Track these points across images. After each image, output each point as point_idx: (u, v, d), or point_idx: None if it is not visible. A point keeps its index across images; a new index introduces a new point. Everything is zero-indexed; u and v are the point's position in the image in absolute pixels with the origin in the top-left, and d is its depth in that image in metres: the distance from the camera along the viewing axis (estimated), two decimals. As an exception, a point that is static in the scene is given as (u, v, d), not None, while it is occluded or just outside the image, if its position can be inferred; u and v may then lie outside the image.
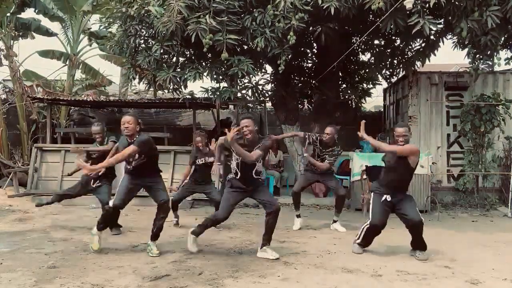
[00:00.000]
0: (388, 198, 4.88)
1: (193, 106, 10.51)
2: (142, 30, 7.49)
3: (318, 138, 6.44)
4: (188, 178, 6.44)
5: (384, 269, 4.47)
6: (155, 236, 4.94)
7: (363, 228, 5.02)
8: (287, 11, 6.37)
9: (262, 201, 4.88)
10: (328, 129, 6.38)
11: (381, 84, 10.84)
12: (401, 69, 9.22)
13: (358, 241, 5.07)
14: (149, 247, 4.91)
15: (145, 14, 7.00)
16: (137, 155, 4.75)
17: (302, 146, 6.62)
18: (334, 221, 6.49)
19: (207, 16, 6.39)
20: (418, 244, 4.91)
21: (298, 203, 6.55)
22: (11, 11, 10.90)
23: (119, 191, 4.87)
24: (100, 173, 5.80)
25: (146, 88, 8.27)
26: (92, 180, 5.94)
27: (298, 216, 6.51)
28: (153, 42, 7.37)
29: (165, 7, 6.52)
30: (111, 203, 4.91)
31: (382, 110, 12.14)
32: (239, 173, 4.81)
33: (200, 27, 6.40)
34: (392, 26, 6.41)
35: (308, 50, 9.93)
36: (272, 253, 4.82)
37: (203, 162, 6.29)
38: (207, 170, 6.26)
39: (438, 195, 8.36)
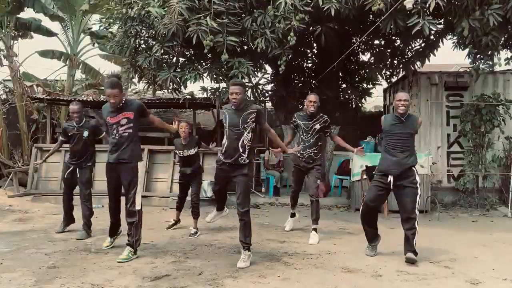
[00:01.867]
0: (389, 178, 4.75)
1: (193, 106, 10.53)
2: (143, 31, 7.49)
3: (301, 114, 5.93)
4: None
5: (384, 269, 4.47)
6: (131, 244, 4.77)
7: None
8: (287, 12, 6.37)
9: (236, 194, 4.65)
10: (312, 97, 5.75)
11: (381, 84, 10.85)
12: (401, 69, 9.23)
13: (367, 239, 5.01)
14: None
15: (145, 15, 7.00)
16: (126, 120, 4.67)
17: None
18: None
19: (207, 18, 6.39)
20: (410, 244, 4.82)
21: (296, 202, 6.28)
22: (8, 10, 10.88)
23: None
24: (80, 158, 5.87)
25: (146, 87, 8.27)
26: (74, 168, 5.92)
27: (293, 215, 6.32)
28: (154, 43, 7.37)
29: (165, 8, 6.53)
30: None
31: (382, 110, 12.13)
32: (226, 143, 4.68)
33: (200, 28, 6.41)
34: (392, 27, 6.41)
35: (308, 50, 9.94)
36: None
37: (182, 155, 6.10)
38: (189, 161, 6.11)
39: (438, 195, 8.36)
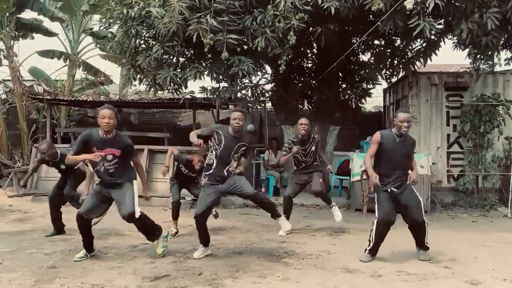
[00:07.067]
0: (392, 188, 4.71)
1: (193, 106, 10.52)
2: (143, 31, 7.49)
3: (294, 140, 6.24)
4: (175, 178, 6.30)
5: (384, 269, 4.47)
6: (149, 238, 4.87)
7: (371, 230, 4.78)
8: (287, 11, 6.38)
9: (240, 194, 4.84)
10: (303, 120, 6.14)
11: (381, 84, 10.84)
12: (401, 69, 9.23)
13: (370, 246, 4.79)
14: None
15: (146, 15, 7.00)
16: (111, 156, 4.46)
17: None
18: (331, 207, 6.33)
19: (208, 16, 6.40)
20: (421, 243, 4.86)
21: (289, 210, 6.22)
22: (11, 11, 10.89)
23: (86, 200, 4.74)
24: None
25: (147, 89, 8.27)
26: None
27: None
28: (154, 43, 7.37)
29: (166, 8, 6.53)
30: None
31: (382, 110, 12.13)
32: (213, 168, 4.73)
33: (201, 27, 6.41)
34: (391, 27, 6.41)
35: (308, 50, 9.94)
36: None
37: (186, 172, 6.14)
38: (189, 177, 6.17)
39: (438, 195, 8.36)
